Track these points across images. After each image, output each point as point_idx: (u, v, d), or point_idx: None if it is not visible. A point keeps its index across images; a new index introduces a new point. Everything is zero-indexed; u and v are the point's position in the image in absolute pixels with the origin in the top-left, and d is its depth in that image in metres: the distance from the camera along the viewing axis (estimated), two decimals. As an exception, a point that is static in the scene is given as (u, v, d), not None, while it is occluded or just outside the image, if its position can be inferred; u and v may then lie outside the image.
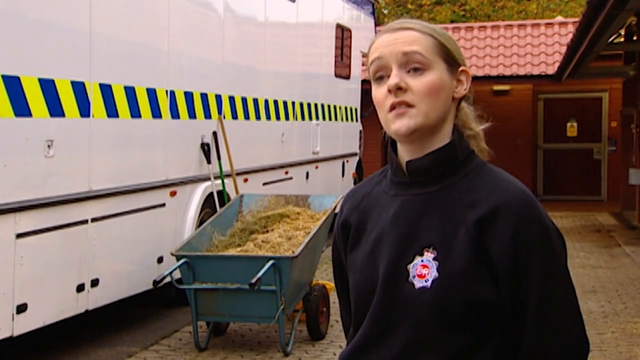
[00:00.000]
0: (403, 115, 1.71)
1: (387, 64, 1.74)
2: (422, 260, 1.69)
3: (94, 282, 6.33)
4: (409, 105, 1.71)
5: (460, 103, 1.82)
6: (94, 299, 6.36)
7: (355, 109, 13.52)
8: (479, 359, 1.68)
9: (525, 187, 1.73)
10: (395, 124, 1.72)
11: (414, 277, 1.69)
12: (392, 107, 1.72)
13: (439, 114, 1.73)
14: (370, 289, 1.74)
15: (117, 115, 6.61)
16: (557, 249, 1.70)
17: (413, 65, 1.72)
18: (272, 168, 9.80)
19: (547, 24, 18.00)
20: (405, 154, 1.78)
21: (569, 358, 1.70)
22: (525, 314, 1.67)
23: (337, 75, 12.30)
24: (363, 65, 13.62)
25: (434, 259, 1.68)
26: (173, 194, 7.53)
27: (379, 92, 1.75)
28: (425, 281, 1.67)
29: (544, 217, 1.70)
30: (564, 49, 14.58)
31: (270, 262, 6.09)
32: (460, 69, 1.78)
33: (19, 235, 5.50)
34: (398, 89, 1.71)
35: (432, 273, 1.67)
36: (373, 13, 14.67)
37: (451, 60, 1.76)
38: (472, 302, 1.66)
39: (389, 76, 1.73)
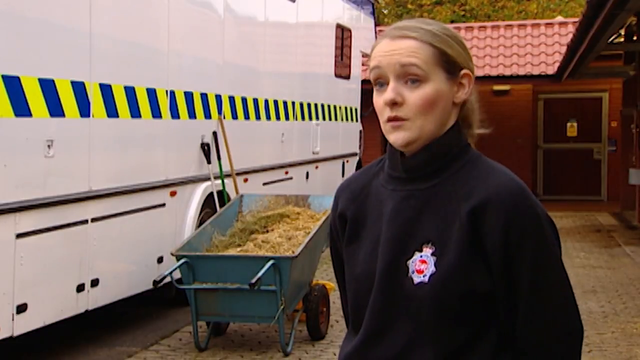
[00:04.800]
0: (399, 128, 1.73)
1: (385, 74, 1.74)
2: (421, 256, 1.71)
3: (94, 282, 6.33)
4: (405, 119, 1.73)
5: (468, 100, 1.82)
6: (94, 299, 6.36)
7: (355, 109, 13.52)
8: (479, 351, 1.70)
9: (517, 177, 1.74)
10: (391, 136, 1.75)
11: (412, 272, 1.71)
12: (389, 120, 1.74)
13: (436, 125, 1.75)
14: (370, 284, 1.76)
15: (117, 115, 6.61)
16: (549, 237, 1.71)
17: (410, 77, 1.72)
18: (272, 168, 9.80)
19: (547, 24, 18.00)
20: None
21: (562, 344, 1.72)
22: (518, 302, 1.69)
23: (337, 75, 12.30)
24: (363, 65, 13.62)
25: (432, 254, 1.71)
26: (173, 194, 7.52)
27: (378, 100, 1.76)
28: (423, 276, 1.70)
29: (536, 205, 1.71)
30: (564, 49, 14.58)
31: (270, 262, 6.09)
32: (462, 72, 1.77)
33: (19, 235, 5.50)
34: (394, 104, 1.73)
35: (429, 268, 1.70)
36: (373, 13, 14.67)
37: (451, 67, 1.75)
38: (468, 294, 1.68)
39: (388, 83, 1.74)
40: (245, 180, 8.93)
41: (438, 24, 1.80)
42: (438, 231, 1.71)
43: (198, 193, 7.94)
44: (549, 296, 1.70)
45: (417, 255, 1.72)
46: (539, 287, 1.69)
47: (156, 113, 7.20)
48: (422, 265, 1.70)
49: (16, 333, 5.51)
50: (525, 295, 1.69)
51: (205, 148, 8.05)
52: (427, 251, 1.71)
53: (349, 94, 13.08)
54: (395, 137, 1.74)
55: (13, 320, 5.47)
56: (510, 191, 1.70)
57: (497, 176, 1.73)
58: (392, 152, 1.80)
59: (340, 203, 1.88)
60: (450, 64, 1.75)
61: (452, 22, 24.16)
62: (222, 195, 8.33)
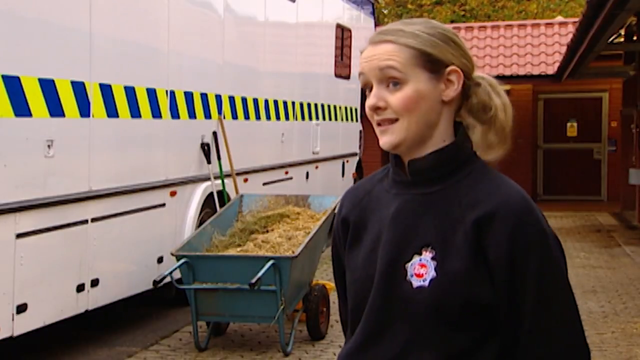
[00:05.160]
0: (386, 131, 1.75)
1: (369, 80, 1.76)
2: (420, 260, 1.70)
3: (94, 282, 6.33)
4: (392, 121, 1.74)
5: (472, 87, 1.80)
6: (94, 299, 6.36)
7: (355, 109, 13.53)
8: (479, 359, 1.69)
9: (524, 192, 1.74)
10: (380, 140, 1.77)
11: (411, 276, 1.70)
12: (378, 124, 1.77)
13: (422, 125, 1.74)
14: (369, 287, 1.75)
15: (117, 115, 6.61)
16: (555, 254, 1.70)
17: (390, 80, 1.73)
18: (272, 168, 9.80)
19: (547, 24, 18.00)
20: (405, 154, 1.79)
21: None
22: (521, 317, 1.67)
23: (337, 75, 12.30)
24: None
25: (432, 258, 1.69)
26: (173, 194, 7.53)
27: (367, 104, 1.78)
28: (423, 280, 1.68)
29: (542, 221, 1.70)
30: (564, 49, 14.58)
31: (270, 262, 6.09)
32: (449, 69, 1.76)
33: (19, 235, 5.50)
34: (377, 109, 1.75)
35: (430, 272, 1.68)
36: (373, 13, 14.67)
37: (434, 66, 1.74)
38: (469, 302, 1.66)
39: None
40: (245, 180, 8.93)
41: (425, 22, 1.79)
42: (439, 236, 1.70)
43: (198, 193, 7.95)
44: (554, 312, 1.68)
45: (416, 258, 1.70)
46: (544, 302, 1.67)
47: (156, 113, 7.20)
48: (422, 269, 1.69)
49: (16, 333, 5.51)
50: (529, 311, 1.66)
51: (205, 148, 8.05)
52: (427, 255, 1.70)
53: (349, 94, 13.09)
54: (383, 141, 1.76)
55: (13, 320, 5.47)
56: (517, 205, 1.69)
57: (504, 188, 1.72)
58: (395, 156, 1.81)
59: (344, 208, 1.89)
60: (434, 62, 1.74)
61: (452, 22, 24.16)
62: (222, 195, 8.33)
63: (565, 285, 1.70)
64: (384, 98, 1.73)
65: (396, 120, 1.73)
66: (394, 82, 1.73)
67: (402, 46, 1.74)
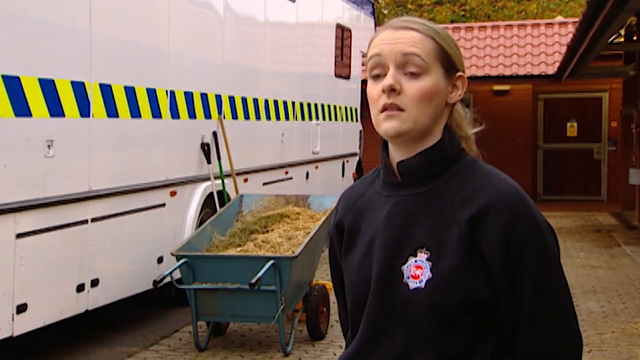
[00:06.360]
0: (393, 117, 1.72)
1: (385, 62, 1.73)
2: (415, 261, 1.70)
3: (94, 282, 6.33)
4: (400, 109, 1.72)
5: (455, 105, 1.82)
6: (94, 299, 6.36)
7: (355, 109, 13.52)
8: (476, 359, 1.69)
9: (516, 184, 1.74)
10: (384, 125, 1.73)
11: (408, 278, 1.70)
12: (384, 108, 1.73)
13: (429, 119, 1.74)
14: (366, 290, 1.75)
15: (117, 115, 6.61)
16: (549, 244, 1.71)
17: (411, 68, 1.72)
18: (272, 168, 9.80)
19: (547, 24, 18.00)
20: (396, 154, 1.78)
21: (562, 352, 1.70)
22: (519, 310, 1.68)
23: (337, 75, 12.29)
24: (363, 65, 13.61)
25: (427, 259, 1.69)
26: (173, 194, 7.53)
27: (373, 90, 1.75)
28: (420, 282, 1.68)
29: (535, 213, 1.71)
30: (564, 49, 14.57)
31: (270, 262, 6.09)
32: (458, 74, 1.78)
33: (19, 235, 5.50)
34: (392, 90, 1.71)
35: (425, 274, 1.68)
36: (373, 13, 14.67)
37: (449, 66, 1.76)
38: (466, 301, 1.67)
39: (385, 75, 1.73)
40: (245, 180, 8.93)
41: (438, 25, 1.81)
42: (433, 236, 1.70)
43: (198, 193, 7.94)
44: (551, 302, 1.69)
45: (411, 260, 1.70)
46: (541, 293, 1.68)
47: (156, 113, 7.20)
48: (418, 270, 1.69)
49: (16, 333, 5.51)
50: (525, 302, 1.67)
51: (205, 148, 8.05)
52: (422, 256, 1.70)
53: (349, 94, 13.08)
54: (388, 127, 1.72)
55: (13, 320, 5.47)
56: (511, 198, 1.69)
57: (496, 183, 1.72)
58: (384, 157, 1.80)
59: (339, 212, 1.89)
60: (449, 62, 1.76)
61: (452, 22, 24.16)
62: (222, 195, 8.33)
63: (561, 275, 1.72)
64: (401, 83, 1.72)
65: (403, 110, 1.72)
66: (412, 72, 1.72)
67: (427, 37, 1.74)
